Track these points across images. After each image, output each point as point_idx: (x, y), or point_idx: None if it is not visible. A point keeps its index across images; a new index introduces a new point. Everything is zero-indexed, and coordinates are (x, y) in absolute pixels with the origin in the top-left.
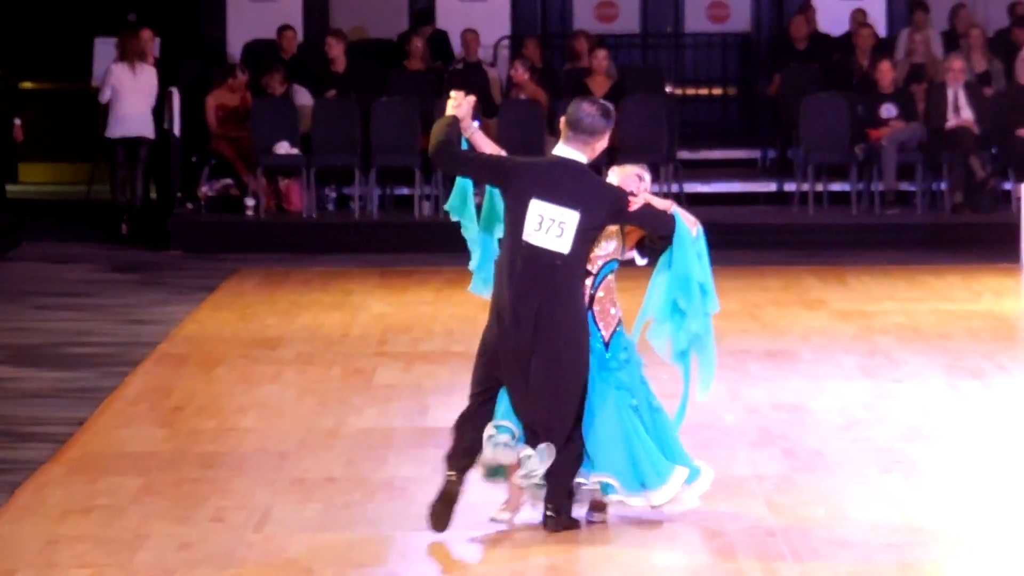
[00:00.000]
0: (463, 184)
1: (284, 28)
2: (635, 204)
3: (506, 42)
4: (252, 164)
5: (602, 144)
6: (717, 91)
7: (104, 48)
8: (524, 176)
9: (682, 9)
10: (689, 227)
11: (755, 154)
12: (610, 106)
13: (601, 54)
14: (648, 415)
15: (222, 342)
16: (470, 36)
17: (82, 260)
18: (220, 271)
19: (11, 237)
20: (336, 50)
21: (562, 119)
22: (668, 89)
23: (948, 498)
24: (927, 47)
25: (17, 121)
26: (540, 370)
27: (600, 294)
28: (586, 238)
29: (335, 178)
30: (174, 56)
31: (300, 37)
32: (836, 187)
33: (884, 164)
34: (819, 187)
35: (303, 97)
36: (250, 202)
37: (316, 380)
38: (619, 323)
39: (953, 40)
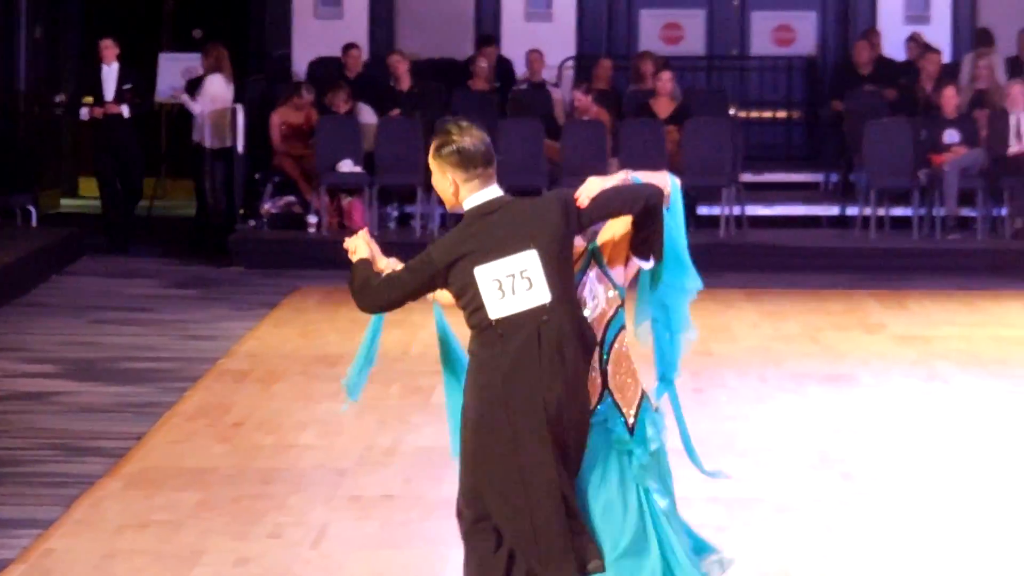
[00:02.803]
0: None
1: (349, 46)
2: (583, 194)
3: (571, 63)
4: (315, 182)
5: None
6: (781, 114)
7: (168, 64)
8: (454, 253)
9: (748, 32)
10: (665, 187)
11: (818, 177)
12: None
13: (666, 76)
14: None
15: (282, 358)
16: (534, 57)
17: (142, 275)
18: (281, 288)
19: (71, 251)
20: (401, 69)
21: (452, 174)
22: (732, 112)
23: (1017, 525)
24: (991, 73)
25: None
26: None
27: (610, 368)
28: (561, 269)
29: (397, 196)
30: (238, 73)
31: (365, 55)
32: (898, 212)
33: (946, 189)
34: (881, 211)
35: (367, 115)
36: (312, 219)
37: (375, 398)
38: (643, 397)
39: (1018, 66)
